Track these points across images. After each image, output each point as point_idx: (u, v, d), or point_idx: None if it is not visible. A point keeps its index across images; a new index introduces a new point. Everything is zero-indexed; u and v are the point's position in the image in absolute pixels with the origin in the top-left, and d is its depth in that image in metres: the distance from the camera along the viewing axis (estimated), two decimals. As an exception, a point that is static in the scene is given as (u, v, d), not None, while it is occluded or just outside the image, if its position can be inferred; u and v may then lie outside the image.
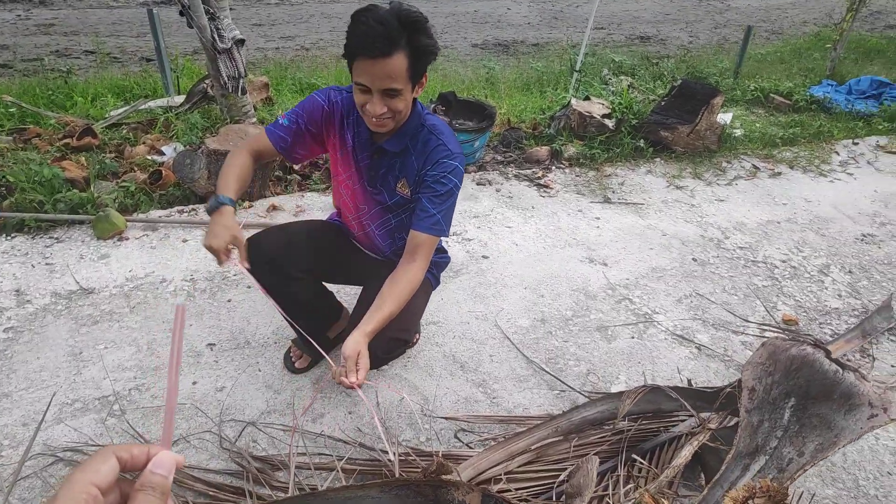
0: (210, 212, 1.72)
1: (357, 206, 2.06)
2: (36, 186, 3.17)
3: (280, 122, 1.86)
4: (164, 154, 3.80)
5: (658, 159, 4.36)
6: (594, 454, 1.96)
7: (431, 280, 2.21)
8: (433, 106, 4.07)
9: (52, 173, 3.24)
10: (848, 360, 2.63)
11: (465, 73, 6.45)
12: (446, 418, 2.21)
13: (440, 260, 2.26)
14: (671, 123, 4.36)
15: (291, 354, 2.41)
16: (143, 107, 4.47)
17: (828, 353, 1.64)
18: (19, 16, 7.91)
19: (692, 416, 2.02)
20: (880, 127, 5.27)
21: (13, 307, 2.59)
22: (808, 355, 1.63)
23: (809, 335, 2.75)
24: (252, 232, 2.03)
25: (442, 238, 1.94)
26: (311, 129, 1.86)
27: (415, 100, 1.79)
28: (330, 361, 1.71)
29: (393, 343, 2.00)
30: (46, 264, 2.86)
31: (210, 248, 1.63)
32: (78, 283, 2.74)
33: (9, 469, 1.87)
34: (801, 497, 1.96)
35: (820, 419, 1.59)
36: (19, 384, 2.22)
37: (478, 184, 3.85)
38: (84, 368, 2.32)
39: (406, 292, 1.80)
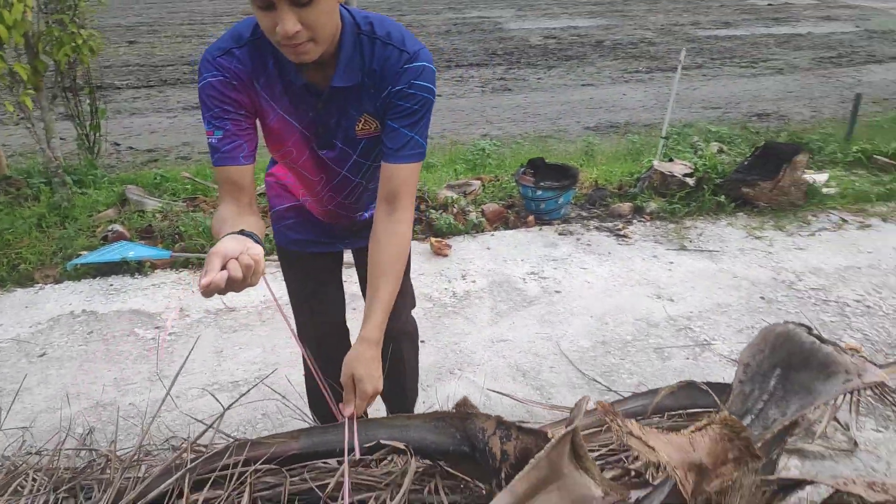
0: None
1: (319, 179, 1.64)
2: (200, 234, 4.03)
3: (212, 142, 1.39)
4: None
5: (740, 213, 4.54)
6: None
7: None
8: (522, 170, 4.59)
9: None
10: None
11: (566, 149, 6.97)
12: (501, 394, 2.37)
13: None
14: (752, 180, 4.56)
15: None
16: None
17: (809, 330, 1.89)
18: (199, 119, 9.62)
19: (719, 410, 2.25)
20: None
21: (177, 319, 3.35)
22: (790, 331, 1.89)
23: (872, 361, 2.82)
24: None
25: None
26: (241, 112, 1.41)
27: (341, 7, 1.35)
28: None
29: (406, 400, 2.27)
30: (202, 291, 3.64)
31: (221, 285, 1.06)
32: (224, 303, 3.46)
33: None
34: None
35: (801, 385, 1.83)
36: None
37: (559, 234, 4.27)
38: (223, 362, 2.97)
39: (398, 255, 1.47)
